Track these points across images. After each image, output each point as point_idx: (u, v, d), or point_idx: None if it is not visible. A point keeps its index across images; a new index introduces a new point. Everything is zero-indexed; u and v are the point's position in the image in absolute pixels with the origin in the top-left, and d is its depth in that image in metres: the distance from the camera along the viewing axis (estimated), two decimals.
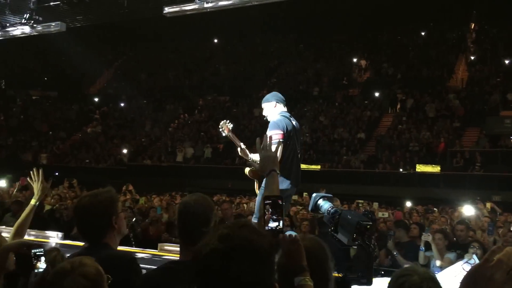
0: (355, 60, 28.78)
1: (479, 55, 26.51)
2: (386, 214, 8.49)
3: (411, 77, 25.44)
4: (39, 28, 8.07)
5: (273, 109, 4.67)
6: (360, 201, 12.39)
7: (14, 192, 10.79)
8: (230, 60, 31.66)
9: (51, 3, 7.94)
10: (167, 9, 6.97)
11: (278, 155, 4.13)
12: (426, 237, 5.55)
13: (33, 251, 2.25)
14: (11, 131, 27.49)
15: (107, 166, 23.40)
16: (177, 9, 6.90)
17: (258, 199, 4.58)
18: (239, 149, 4.78)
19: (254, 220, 4.59)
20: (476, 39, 27.99)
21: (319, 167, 20.23)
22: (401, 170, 19.27)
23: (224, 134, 4.97)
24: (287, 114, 4.62)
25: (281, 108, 4.68)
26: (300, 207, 10.32)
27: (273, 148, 3.97)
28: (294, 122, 4.62)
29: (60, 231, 7.37)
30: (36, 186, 3.70)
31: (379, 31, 29.41)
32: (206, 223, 2.37)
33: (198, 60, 32.52)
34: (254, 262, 1.29)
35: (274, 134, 4.31)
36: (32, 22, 8.01)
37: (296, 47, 31.34)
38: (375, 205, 11.16)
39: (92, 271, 1.84)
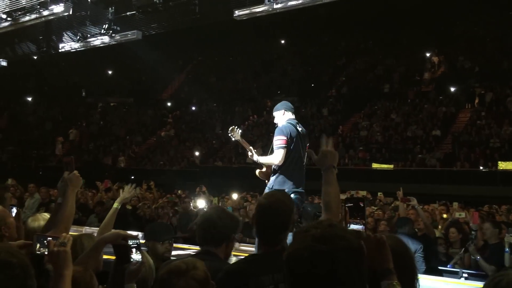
0: (428, 54, 27.68)
1: None
2: (463, 214, 8.06)
3: (490, 70, 24.05)
4: (117, 38, 8.51)
5: (282, 117, 5.14)
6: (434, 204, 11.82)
7: (98, 194, 11.39)
8: (297, 60, 31.60)
9: (128, 13, 8.34)
10: (237, 12, 7.08)
11: (281, 158, 4.78)
12: (509, 238, 5.22)
13: (129, 242, 2.38)
14: (92, 136, 29.20)
15: (180, 168, 24.16)
16: (247, 11, 6.98)
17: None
18: (249, 153, 5.19)
19: None
20: None
21: (391, 166, 19.67)
22: (481, 168, 18.28)
23: (233, 139, 5.46)
24: (294, 122, 5.08)
25: (289, 115, 5.14)
26: (375, 208, 10.08)
27: (277, 152, 4.75)
28: (300, 129, 5.08)
29: (140, 231, 7.68)
30: (122, 194, 3.98)
31: (452, 23, 28.02)
32: (286, 223, 2.38)
33: (266, 61, 32.75)
34: (357, 261, 1.28)
35: (278, 140, 4.85)
36: (110, 32, 8.47)
37: (365, 44, 30.67)
38: (455, 204, 10.62)
39: (202, 275, 1.93)
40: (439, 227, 8.26)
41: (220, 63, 33.55)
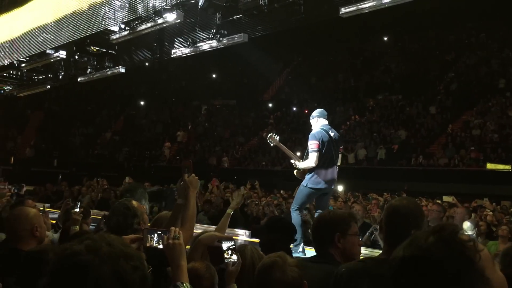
0: None
1: None
2: None
3: None
4: (224, 41, 8.85)
5: (316, 123, 5.97)
6: None
7: (207, 193, 11.88)
8: (401, 57, 30.39)
9: (234, 17, 8.62)
10: (343, 10, 6.97)
11: (315, 161, 5.63)
12: None
13: (224, 244, 2.49)
14: (198, 137, 30.57)
15: (282, 169, 24.38)
16: (353, 8, 6.84)
17: (300, 188, 5.89)
18: (292, 160, 5.97)
19: (293, 208, 5.86)
20: None
21: (509, 167, 18.17)
22: None
23: (272, 145, 6.31)
24: (326, 127, 5.89)
25: (322, 121, 5.97)
26: (489, 210, 9.48)
27: (312, 155, 5.59)
28: (332, 134, 5.86)
29: (246, 228, 7.88)
30: (233, 201, 4.31)
31: None
32: (417, 228, 2.33)
33: (368, 59, 31.91)
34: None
35: (311, 144, 5.70)
36: (218, 36, 8.82)
37: (476, 36, 28.64)
38: None
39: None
40: None
41: (320, 62, 33.32)
